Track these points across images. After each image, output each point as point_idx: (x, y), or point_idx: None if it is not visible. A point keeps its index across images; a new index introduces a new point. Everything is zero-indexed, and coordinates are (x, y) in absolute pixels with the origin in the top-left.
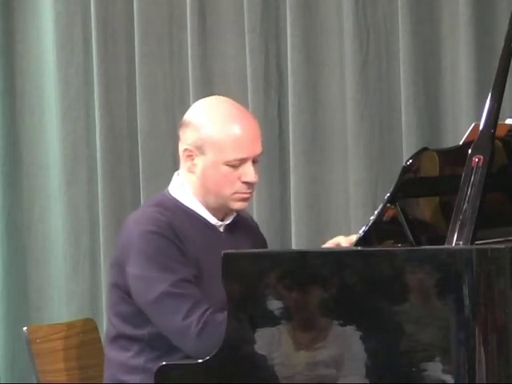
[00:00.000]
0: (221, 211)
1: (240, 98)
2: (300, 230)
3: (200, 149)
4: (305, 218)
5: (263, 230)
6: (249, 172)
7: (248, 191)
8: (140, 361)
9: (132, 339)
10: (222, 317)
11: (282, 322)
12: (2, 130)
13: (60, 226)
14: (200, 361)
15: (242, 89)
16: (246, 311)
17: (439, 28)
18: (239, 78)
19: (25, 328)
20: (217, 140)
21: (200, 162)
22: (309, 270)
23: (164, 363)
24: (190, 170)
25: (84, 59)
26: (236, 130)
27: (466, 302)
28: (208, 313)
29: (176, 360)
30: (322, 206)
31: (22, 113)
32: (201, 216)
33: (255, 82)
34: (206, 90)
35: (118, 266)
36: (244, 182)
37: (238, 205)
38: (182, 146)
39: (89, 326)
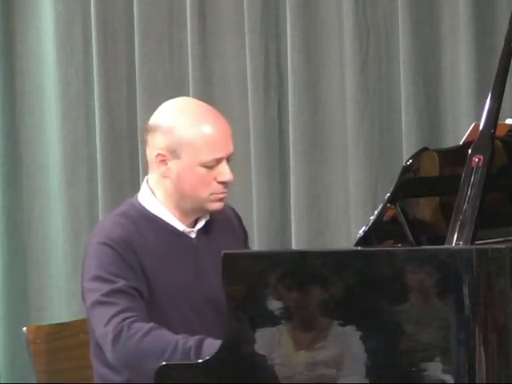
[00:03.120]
0: (194, 216)
1: (240, 98)
2: (300, 230)
3: (174, 152)
4: (305, 218)
5: (263, 230)
6: (225, 171)
7: (224, 191)
8: (122, 378)
9: None
10: (143, 327)
11: (282, 322)
12: (2, 130)
13: (60, 226)
14: (200, 361)
15: (242, 89)
16: (246, 311)
17: (439, 28)
18: (239, 78)
19: (25, 328)
20: (191, 142)
21: (174, 165)
22: (309, 270)
23: (164, 363)
24: (164, 175)
25: (84, 59)
26: (209, 130)
27: (466, 302)
28: (127, 321)
29: None
30: (322, 206)
31: (22, 113)
32: (168, 224)
33: (255, 82)
34: (206, 90)
35: (81, 279)
36: (220, 182)
37: (215, 206)
38: (152, 152)
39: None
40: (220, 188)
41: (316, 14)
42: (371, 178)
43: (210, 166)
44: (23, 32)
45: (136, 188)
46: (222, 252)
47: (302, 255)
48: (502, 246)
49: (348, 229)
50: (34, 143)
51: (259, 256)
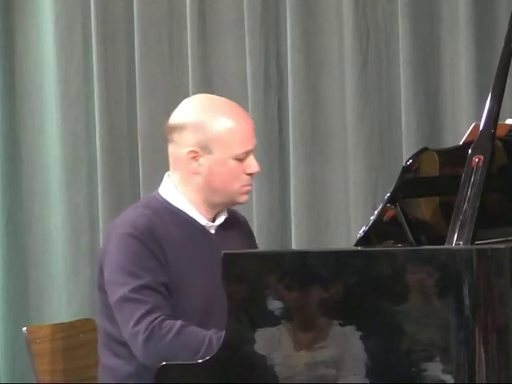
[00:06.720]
0: (220, 208)
1: (240, 97)
2: (300, 230)
3: (206, 148)
4: (305, 218)
5: (263, 230)
6: (253, 163)
7: (251, 183)
8: (132, 368)
9: (121, 343)
10: (174, 325)
11: (282, 322)
12: (1, 130)
13: (60, 225)
14: (200, 361)
15: (242, 89)
16: (246, 311)
17: (439, 28)
18: (239, 77)
19: (25, 328)
20: (223, 136)
21: (206, 161)
22: (309, 269)
23: (164, 363)
24: (195, 172)
25: (84, 59)
26: (238, 123)
27: (466, 301)
28: (158, 320)
29: None
30: (321, 206)
31: (21, 113)
32: (191, 217)
33: (255, 82)
34: (206, 90)
35: (100, 268)
36: (248, 174)
37: (243, 198)
38: (181, 149)
39: (89, 326)
40: (248, 180)
41: (316, 14)
42: (371, 178)
43: (241, 159)
44: (23, 32)
45: (136, 188)
46: (222, 252)
47: (302, 255)
48: (502, 245)
49: (348, 229)
50: (33, 143)
51: (259, 256)
